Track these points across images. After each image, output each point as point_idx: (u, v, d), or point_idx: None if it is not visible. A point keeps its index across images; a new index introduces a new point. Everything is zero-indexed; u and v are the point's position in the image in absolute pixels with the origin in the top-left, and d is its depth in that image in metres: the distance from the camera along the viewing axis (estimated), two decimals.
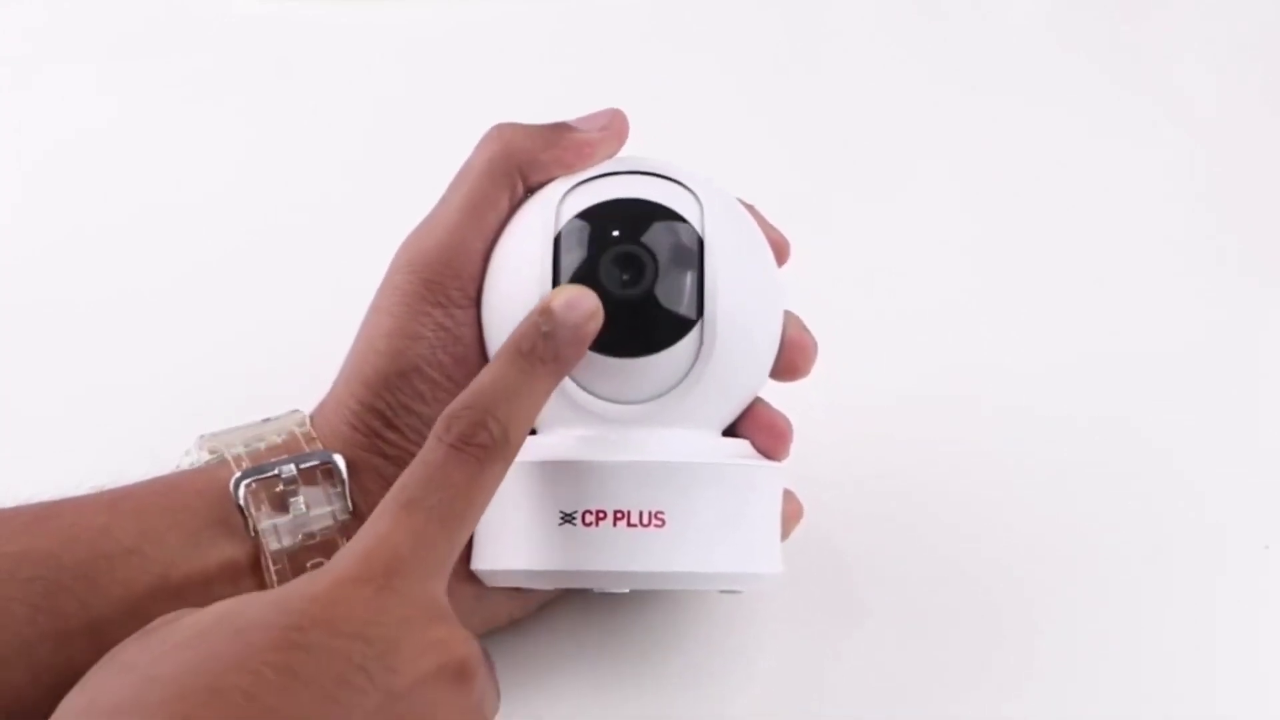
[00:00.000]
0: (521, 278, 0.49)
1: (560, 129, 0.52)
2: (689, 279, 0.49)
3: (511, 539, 0.49)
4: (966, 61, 0.83)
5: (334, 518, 0.50)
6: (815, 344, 0.52)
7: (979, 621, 0.55)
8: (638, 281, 0.48)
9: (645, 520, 0.48)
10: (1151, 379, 0.65)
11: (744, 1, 0.86)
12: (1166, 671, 0.54)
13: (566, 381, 0.49)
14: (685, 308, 0.48)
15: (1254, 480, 0.61)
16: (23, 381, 0.65)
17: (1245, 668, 0.55)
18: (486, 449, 0.44)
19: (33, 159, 0.77)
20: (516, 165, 0.51)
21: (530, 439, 0.50)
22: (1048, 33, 0.84)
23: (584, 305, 0.47)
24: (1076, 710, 0.53)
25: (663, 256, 0.48)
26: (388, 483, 0.50)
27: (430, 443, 0.44)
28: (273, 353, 0.65)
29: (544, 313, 0.47)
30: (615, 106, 0.52)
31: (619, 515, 0.47)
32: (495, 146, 0.52)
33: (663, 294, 0.48)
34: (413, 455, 0.50)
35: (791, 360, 0.51)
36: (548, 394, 0.47)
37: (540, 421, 0.50)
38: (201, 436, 0.52)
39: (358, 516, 0.50)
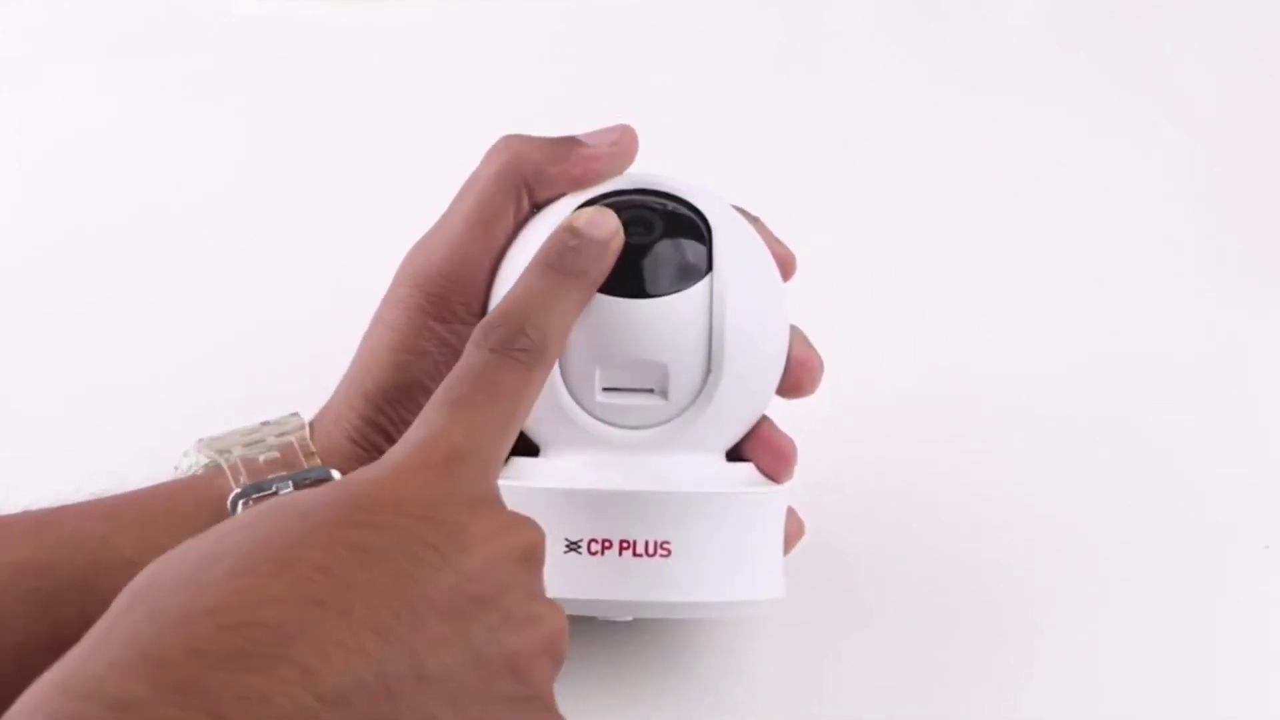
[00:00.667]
0: None
1: (569, 143, 0.51)
2: (695, 244, 0.49)
3: None
4: (966, 61, 0.83)
5: None
6: (821, 362, 0.52)
7: (979, 622, 0.55)
8: (645, 235, 0.49)
9: (651, 550, 0.47)
10: (1151, 379, 0.65)
11: (744, 1, 0.86)
12: (1167, 671, 0.54)
13: (573, 405, 0.48)
14: (690, 259, 0.49)
15: (1254, 480, 0.61)
16: (23, 381, 0.65)
17: (1245, 667, 0.55)
18: (528, 353, 0.44)
19: (33, 159, 0.77)
20: (524, 178, 0.51)
21: (536, 462, 0.50)
22: (1048, 33, 0.84)
23: (607, 222, 0.48)
24: (1077, 710, 0.53)
25: (670, 241, 0.49)
26: None
27: (470, 350, 0.44)
28: (273, 353, 0.65)
29: (569, 230, 0.47)
30: (625, 123, 0.52)
31: (624, 545, 0.47)
32: (504, 158, 0.51)
33: (670, 243, 0.49)
34: None
35: (797, 379, 0.51)
36: (579, 307, 0.47)
37: (546, 444, 0.50)
38: (200, 439, 0.52)
39: None
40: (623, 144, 0.52)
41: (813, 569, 0.55)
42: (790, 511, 0.51)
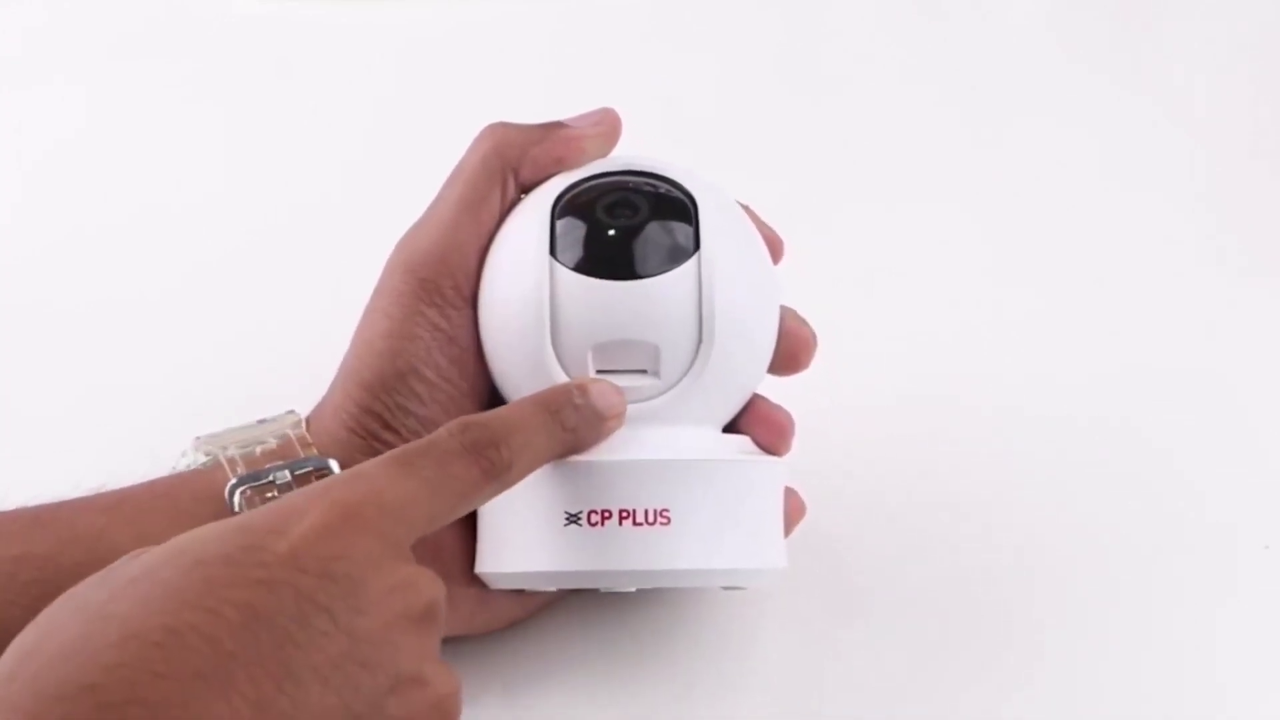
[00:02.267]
0: (518, 279, 0.49)
1: (552, 126, 0.52)
2: (682, 224, 0.49)
3: (517, 541, 0.49)
4: (966, 62, 0.83)
5: None
6: (814, 335, 0.52)
7: (980, 621, 0.55)
8: (632, 215, 0.49)
9: (650, 519, 0.48)
10: (1151, 379, 0.65)
11: (744, 1, 0.86)
12: (1167, 671, 0.54)
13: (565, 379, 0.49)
14: (678, 240, 0.49)
15: (1254, 480, 0.61)
16: (23, 381, 0.65)
17: (1246, 667, 0.55)
18: (494, 465, 0.44)
19: (33, 159, 0.77)
20: (509, 162, 0.51)
21: None
22: (1048, 33, 0.84)
23: (613, 402, 0.48)
24: (1077, 709, 0.53)
25: (658, 222, 0.49)
26: None
27: (441, 434, 0.44)
28: (271, 353, 0.65)
29: (581, 389, 0.48)
30: (608, 106, 0.52)
31: (624, 514, 0.48)
32: (489, 144, 0.52)
33: (657, 224, 0.49)
34: None
35: (792, 352, 0.51)
36: (551, 458, 0.47)
37: None
38: (197, 438, 0.52)
39: None
40: (606, 125, 0.52)
41: (813, 566, 0.55)
42: (791, 491, 0.52)
